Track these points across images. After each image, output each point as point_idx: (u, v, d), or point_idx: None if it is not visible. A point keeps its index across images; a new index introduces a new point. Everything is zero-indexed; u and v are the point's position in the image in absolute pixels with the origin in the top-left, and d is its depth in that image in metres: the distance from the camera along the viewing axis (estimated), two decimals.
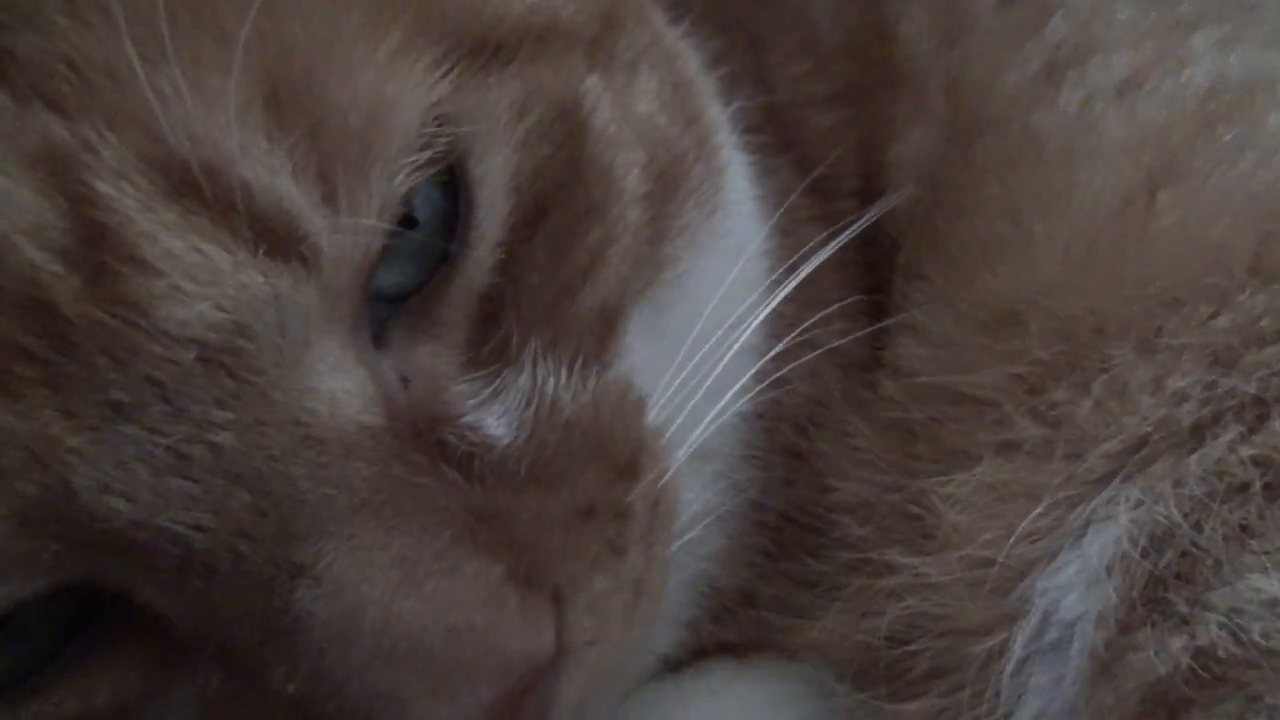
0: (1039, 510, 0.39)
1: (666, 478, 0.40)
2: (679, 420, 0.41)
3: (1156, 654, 0.37)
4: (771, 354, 0.45)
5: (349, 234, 0.33)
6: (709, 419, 0.42)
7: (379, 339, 0.36)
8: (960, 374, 0.43)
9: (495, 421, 0.36)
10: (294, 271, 0.32)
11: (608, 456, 0.38)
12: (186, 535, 0.32)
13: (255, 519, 0.32)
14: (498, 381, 0.37)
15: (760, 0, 0.53)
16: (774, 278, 0.46)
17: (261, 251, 0.32)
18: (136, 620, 0.33)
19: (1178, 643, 0.37)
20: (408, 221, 0.36)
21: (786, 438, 0.47)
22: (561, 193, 0.38)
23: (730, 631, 0.47)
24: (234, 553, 0.32)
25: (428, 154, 0.34)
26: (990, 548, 0.40)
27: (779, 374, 0.46)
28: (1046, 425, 0.41)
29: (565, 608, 0.36)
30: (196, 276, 0.31)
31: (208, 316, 0.31)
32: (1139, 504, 0.38)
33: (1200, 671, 0.36)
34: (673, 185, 0.42)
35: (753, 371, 0.45)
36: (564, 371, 0.38)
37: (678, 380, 0.41)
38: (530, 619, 0.34)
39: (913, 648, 0.41)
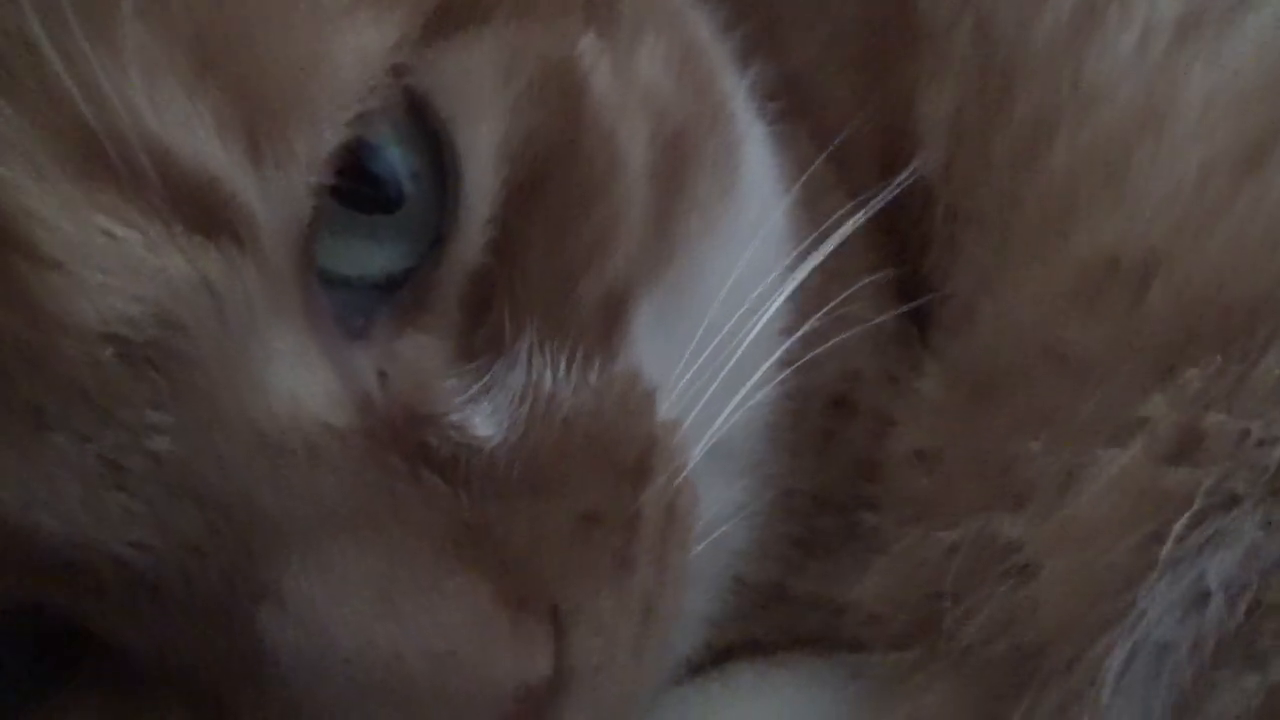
0: (1184, 520, 0.36)
1: (682, 477, 0.37)
2: (695, 412, 0.38)
3: (1234, 692, 0.35)
4: (798, 334, 0.42)
5: (283, 200, 0.29)
6: (730, 409, 0.39)
7: (362, 330, 0.32)
8: (1058, 330, 0.40)
9: (484, 420, 0.33)
10: (225, 250, 0.28)
11: (613, 457, 0.35)
12: (127, 555, 0.28)
13: (206, 535, 0.29)
14: (488, 375, 0.33)
15: None
16: (797, 253, 0.43)
17: (182, 229, 0.28)
18: (98, 654, 0.30)
19: (1252, 681, 0.34)
20: (390, 204, 0.32)
21: (816, 418, 0.45)
22: (558, 165, 0.35)
23: (759, 627, 0.44)
24: (184, 574, 0.29)
25: (376, 103, 0.31)
26: (1106, 542, 0.36)
27: (808, 356, 0.43)
28: (1180, 409, 0.37)
29: (566, 630, 0.33)
30: (103, 264, 0.27)
31: (121, 309, 0.27)
32: (1266, 525, 0.35)
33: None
34: (683, 158, 0.39)
35: (778, 355, 0.42)
36: (563, 364, 0.34)
37: (693, 369, 0.38)
38: (524, 643, 0.31)
39: (968, 606, 0.38)
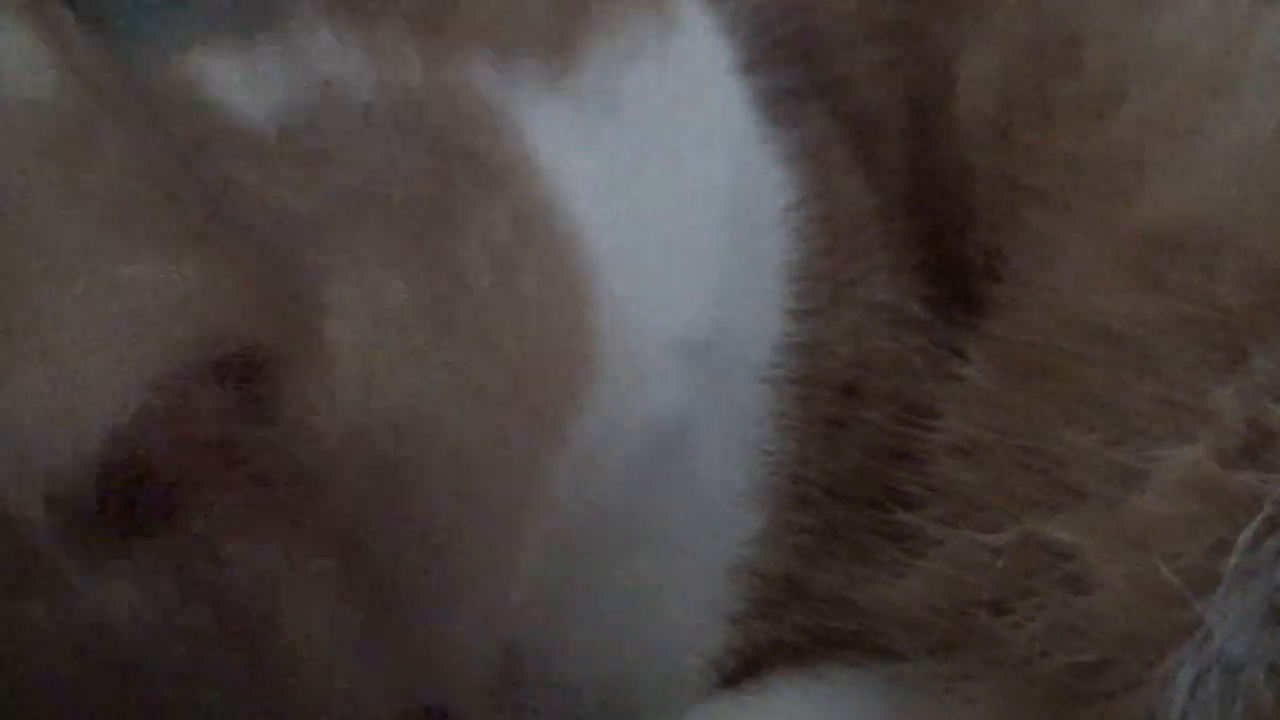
0: (1253, 528, 0.32)
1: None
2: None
3: None
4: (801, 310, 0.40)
5: None
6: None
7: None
8: (1116, 307, 0.37)
9: (243, 94, 0.30)
10: None
11: (433, 150, 0.32)
12: None
13: None
14: (259, 46, 0.31)
15: None
16: (804, 229, 0.41)
17: None
18: None
19: None
20: None
21: (825, 405, 0.42)
22: None
23: (784, 629, 0.41)
24: None
25: None
26: (1168, 550, 0.33)
27: (814, 338, 0.41)
28: (1250, 403, 0.34)
29: (322, 311, 0.28)
30: None
31: None
32: None
33: None
34: None
35: (781, 337, 0.40)
36: (360, 39, 0.31)
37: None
38: (227, 293, 0.27)
39: (1016, 618, 0.35)
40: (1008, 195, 0.42)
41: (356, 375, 0.28)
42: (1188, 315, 0.36)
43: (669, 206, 0.38)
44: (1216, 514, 0.33)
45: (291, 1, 0.31)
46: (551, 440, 0.33)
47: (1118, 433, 0.36)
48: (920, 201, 0.43)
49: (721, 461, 0.39)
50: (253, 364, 0.27)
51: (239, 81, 0.31)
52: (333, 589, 0.29)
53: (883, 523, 0.40)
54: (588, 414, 0.33)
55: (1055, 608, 0.35)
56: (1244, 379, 0.34)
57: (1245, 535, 0.32)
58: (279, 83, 0.31)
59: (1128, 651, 0.33)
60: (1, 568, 0.27)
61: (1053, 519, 0.35)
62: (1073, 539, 0.35)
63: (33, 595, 0.27)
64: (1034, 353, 0.38)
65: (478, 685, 0.34)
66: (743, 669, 0.41)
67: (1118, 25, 0.42)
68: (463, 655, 0.33)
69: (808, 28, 0.45)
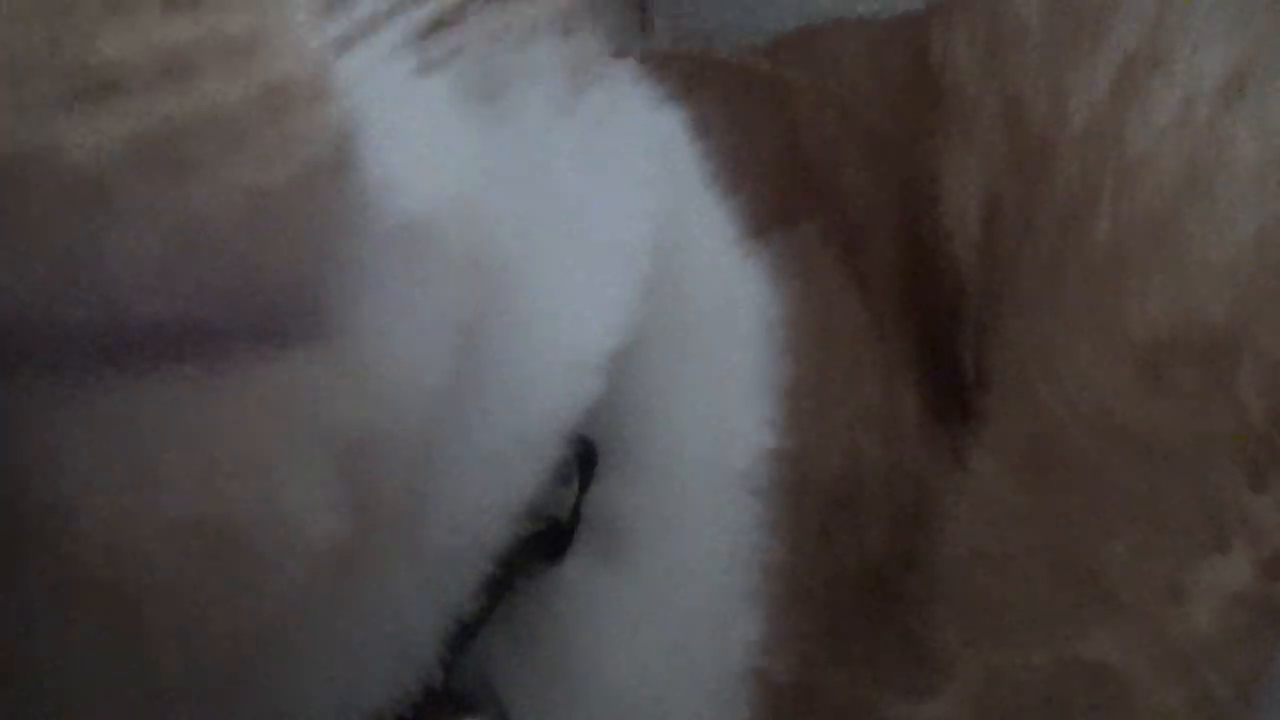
0: None
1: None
2: None
3: None
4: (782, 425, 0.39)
5: None
6: None
7: None
8: (1130, 411, 0.37)
9: None
10: None
11: None
12: None
13: None
14: None
15: (782, 50, 0.49)
16: (790, 342, 0.41)
17: None
18: None
19: None
20: None
21: (820, 515, 0.41)
22: None
23: None
24: None
25: None
26: (1211, 669, 0.33)
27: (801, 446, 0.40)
28: None
29: None
30: None
31: None
32: None
33: None
34: None
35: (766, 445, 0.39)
36: None
37: None
38: None
39: None
40: (995, 306, 0.42)
41: None
42: (1204, 420, 0.36)
43: (570, 213, 0.35)
44: (1263, 626, 0.33)
45: None
46: None
47: (1152, 542, 0.35)
48: (911, 316, 0.43)
49: (712, 563, 0.39)
50: None
51: None
52: None
53: (899, 636, 0.39)
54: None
55: None
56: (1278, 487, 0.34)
57: None
58: None
59: None
60: None
61: (1090, 636, 0.35)
62: (1116, 658, 0.34)
63: None
64: (1048, 456, 0.38)
65: None
66: None
67: (1090, 133, 0.42)
68: None
69: (793, 145, 0.45)
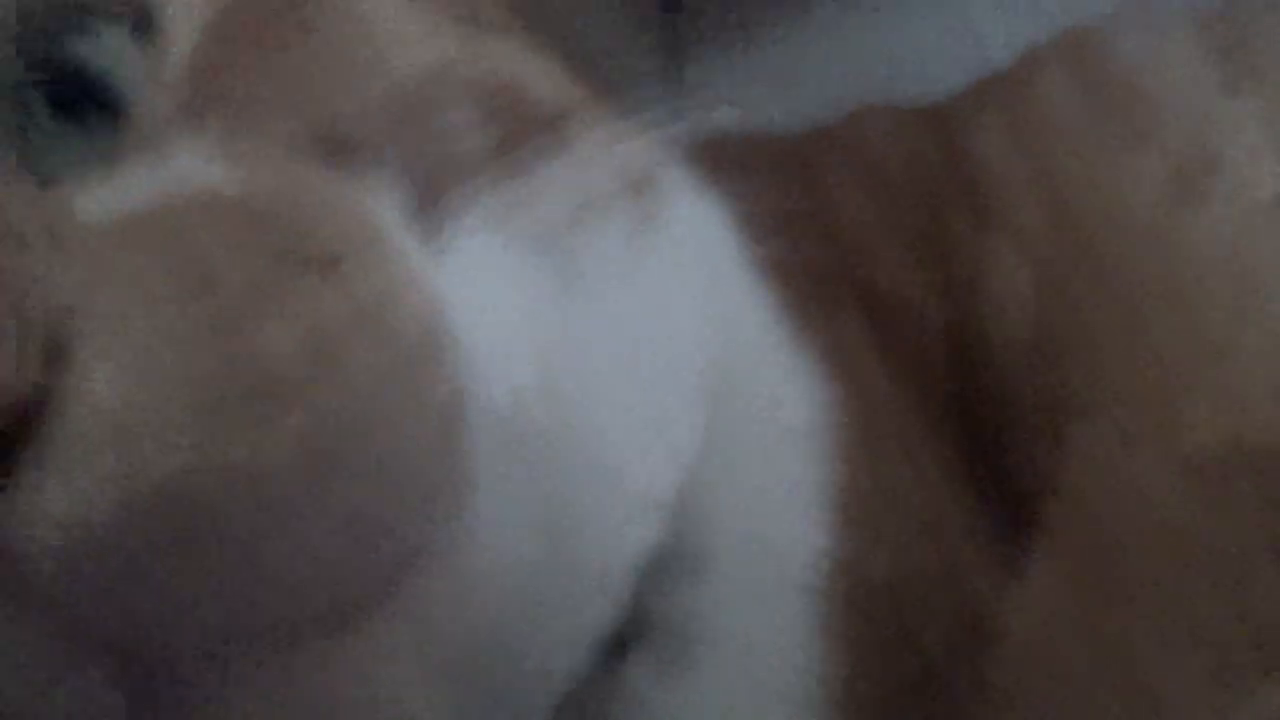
0: None
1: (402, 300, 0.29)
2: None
3: None
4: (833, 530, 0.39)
5: None
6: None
7: None
8: (1192, 525, 0.37)
9: (103, 205, 0.30)
10: None
11: (272, 239, 0.29)
12: None
13: None
14: (135, 172, 0.31)
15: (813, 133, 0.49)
16: (838, 443, 0.40)
17: None
18: None
19: None
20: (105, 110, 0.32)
21: (873, 619, 0.40)
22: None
23: None
24: None
25: None
26: None
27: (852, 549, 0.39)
28: None
29: (75, 364, 0.26)
30: None
31: None
32: None
33: None
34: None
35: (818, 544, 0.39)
36: (235, 158, 0.31)
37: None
38: None
39: None
40: (1048, 411, 0.41)
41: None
42: (1266, 540, 0.36)
43: (628, 363, 0.35)
44: None
45: (176, 136, 0.31)
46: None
47: (1210, 665, 0.35)
48: (962, 412, 0.43)
49: (769, 668, 0.38)
50: None
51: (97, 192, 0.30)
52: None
53: None
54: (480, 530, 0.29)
55: None
56: None
57: None
58: (133, 188, 0.30)
59: None
60: None
61: None
62: None
63: None
64: (1112, 571, 0.38)
65: None
66: None
67: (1142, 236, 0.42)
68: None
69: (831, 235, 0.45)
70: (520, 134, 0.34)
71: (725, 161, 0.42)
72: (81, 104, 0.32)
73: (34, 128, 0.32)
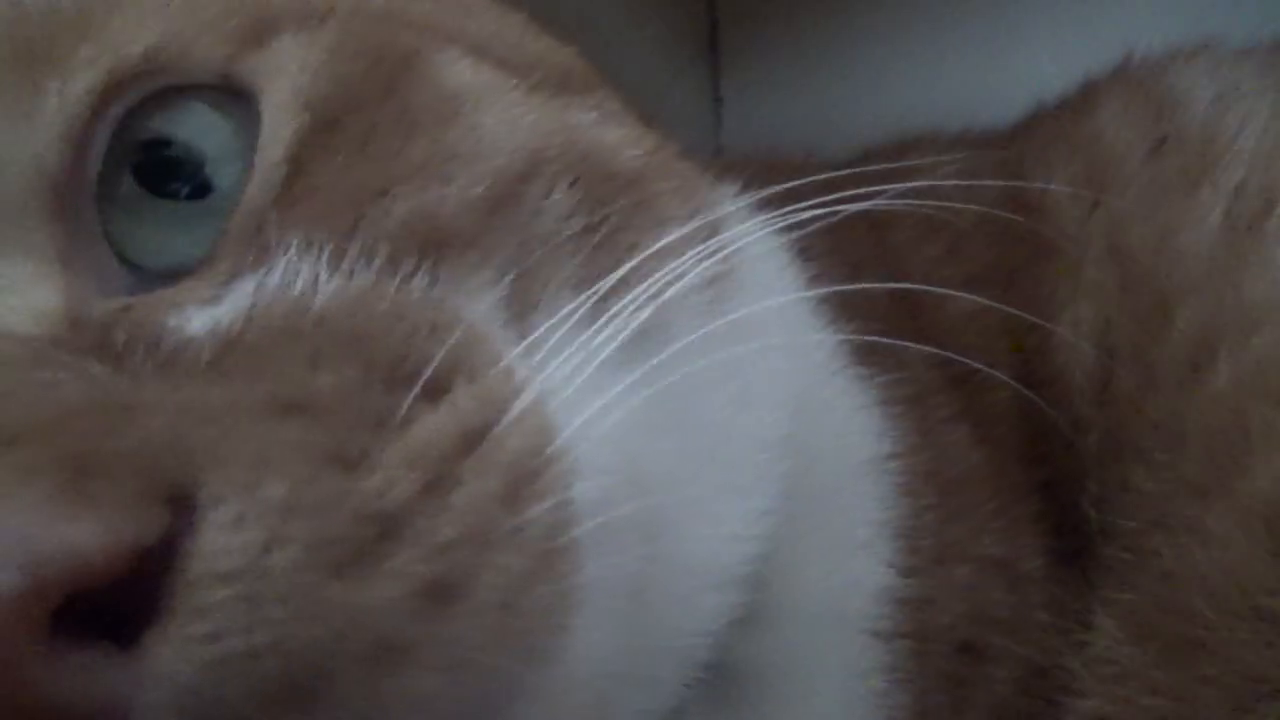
0: None
1: (507, 419, 0.29)
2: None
3: None
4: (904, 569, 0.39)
5: (24, 140, 0.31)
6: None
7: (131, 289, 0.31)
8: (1262, 585, 0.36)
9: (206, 318, 0.30)
10: None
11: (374, 357, 0.29)
12: None
13: None
14: (235, 283, 0.31)
15: (872, 162, 0.48)
16: (906, 482, 0.40)
17: None
18: None
19: None
20: (198, 191, 0.33)
21: (942, 661, 0.40)
22: (370, 105, 0.34)
23: None
24: None
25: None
26: None
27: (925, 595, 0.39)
28: None
29: (193, 517, 0.25)
30: None
31: None
32: None
33: None
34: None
35: (888, 588, 0.39)
36: (331, 266, 0.31)
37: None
38: (63, 504, 0.24)
39: None
40: (1115, 452, 0.41)
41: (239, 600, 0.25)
42: None
43: (706, 435, 0.36)
44: None
45: (273, 233, 0.32)
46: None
47: None
48: (1031, 452, 0.42)
49: (831, 708, 0.38)
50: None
51: (200, 310, 0.31)
52: None
53: None
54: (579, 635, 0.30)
55: None
56: None
57: None
58: (236, 304, 0.31)
59: None
60: None
61: None
62: None
63: None
64: (1176, 627, 0.37)
65: None
66: None
67: (1205, 282, 0.42)
68: None
69: (898, 274, 0.45)
70: (605, 209, 0.35)
71: (791, 191, 0.43)
72: (171, 187, 0.32)
73: (124, 211, 0.32)
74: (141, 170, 0.32)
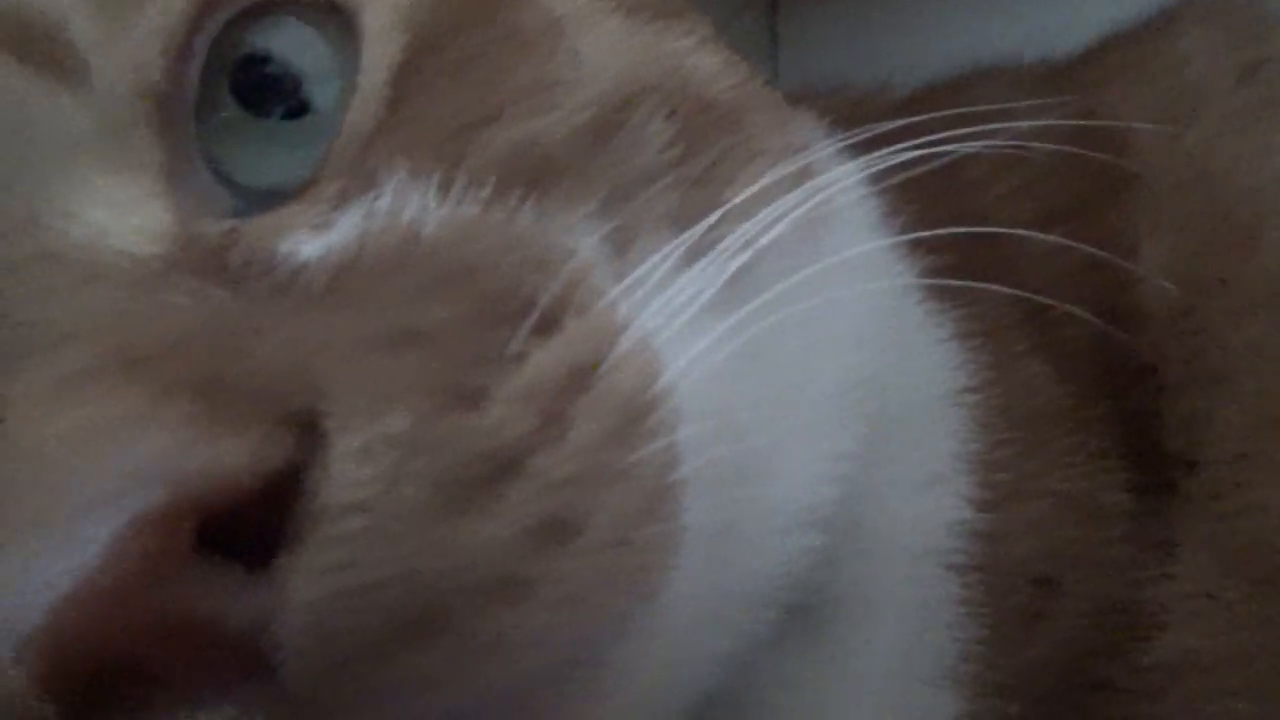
0: None
1: (616, 357, 0.29)
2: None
3: None
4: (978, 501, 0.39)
5: (127, 55, 0.30)
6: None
7: (238, 211, 0.31)
8: None
9: (317, 244, 0.30)
10: (45, 80, 0.30)
11: (486, 289, 0.29)
12: None
13: None
14: (344, 209, 0.31)
15: (936, 98, 0.48)
16: (981, 416, 0.40)
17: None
18: None
19: None
20: (296, 109, 0.32)
21: (1017, 596, 0.40)
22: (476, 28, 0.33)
23: None
24: None
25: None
26: None
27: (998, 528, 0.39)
28: None
29: (319, 444, 0.25)
30: None
31: None
32: None
33: None
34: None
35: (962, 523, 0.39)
36: (439, 194, 0.31)
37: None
38: (203, 426, 0.24)
39: None
40: (1199, 384, 0.41)
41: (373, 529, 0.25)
42: None
43: (795, 376, 0.36)
44: None
45: (384, 172, 0.31)
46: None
47: None
48: (1110, 386, 0.42)
49: (904, 641, 0.38)
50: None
51: (312, 236, 0.30)
52: None
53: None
54: (678, 575, 0.30)
55: None
56: None
57: None
58: (347, 231, 0.30)
59: None
60: None
61: None
62: None
63: None
64: (1266, 561, 0.37)
65: None
66: None
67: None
68: None
69: (971, 208, 0.44)
70: (702, 140, 0.35)
71: (865, 136, 0.42)
72: (269, 105, 0.32)
73: (223, 130, 0.32)
74: (239, 88, 0.32)
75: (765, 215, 0.33)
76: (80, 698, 0.23)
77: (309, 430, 0.25)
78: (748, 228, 0.33)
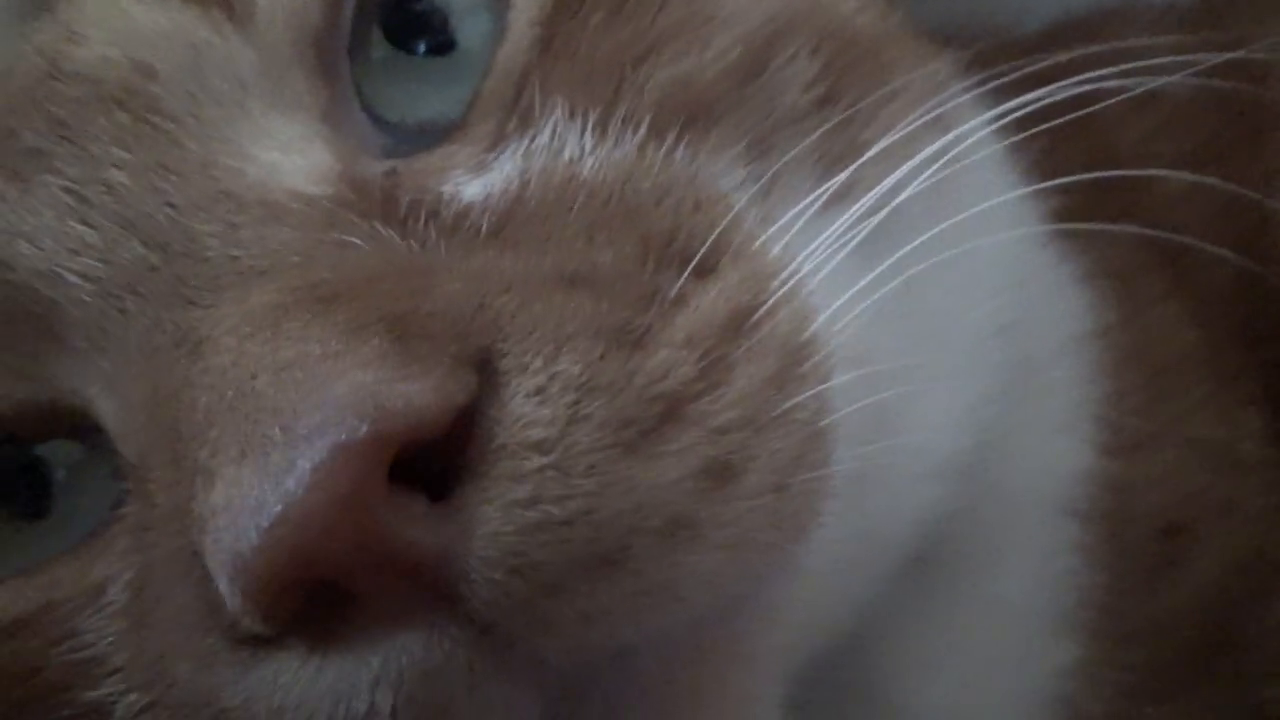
0: None
1: (773, 302, 0.30)
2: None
3: None
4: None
5: None
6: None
7: (396, 151, 0.32)
8: None
9: (478, 184, 0.31)
10: (216, 21, 0.31)
11: (645, 233, 0.30)
12: (78, 286, 0.30)
13: (144, 273, 0.30)
14: (500, 148, 0.31)
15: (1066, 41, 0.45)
16: (1112, 361, 0.40)
17: None
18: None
19: None
20: (443, 46, 0.33)
21: (1142, 544, 0.39)
22: None
23: None
24: (121, 311, 0.30)
25: None
26: None
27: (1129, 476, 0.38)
28: None
29: (497, 386, 0.26)
30: (100, 20, 0.32)
31: (106, 55, 0.31)
32: None
33: None
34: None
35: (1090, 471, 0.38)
36: (596, 134, 0.31)
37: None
38: (396, 363, 0.25)
39: None
40: None
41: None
42: None
43: (933, 325, 0.36)
44: None
45: (540, 111, 0.32)
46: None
47: None
48: (1250, 333, 0.41)
49: (1022, 588, 0.38)
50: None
51: (471, 177, 0.31)
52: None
53: (1230, 687, 0.38)
54: (828, 521, 0.30)
55: None
56: None
57: None
58: (508, 171, 0.31)
59: None
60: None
61: None
62: None
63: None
64: None
65: None
66: None
67: None
68: None
69: (1104, 146, 0.43)
70: (845, 78, 0.34)
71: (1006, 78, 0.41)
72: (418, 43, 0.33)
73: (374, 68, 0.32)
74: (389, 26, 0.33)
75: (906, 168, 0.33)
76: (288, 615, 0.25)
77: (485, 369, 0.26)
78: (888, 180, 0.33)
